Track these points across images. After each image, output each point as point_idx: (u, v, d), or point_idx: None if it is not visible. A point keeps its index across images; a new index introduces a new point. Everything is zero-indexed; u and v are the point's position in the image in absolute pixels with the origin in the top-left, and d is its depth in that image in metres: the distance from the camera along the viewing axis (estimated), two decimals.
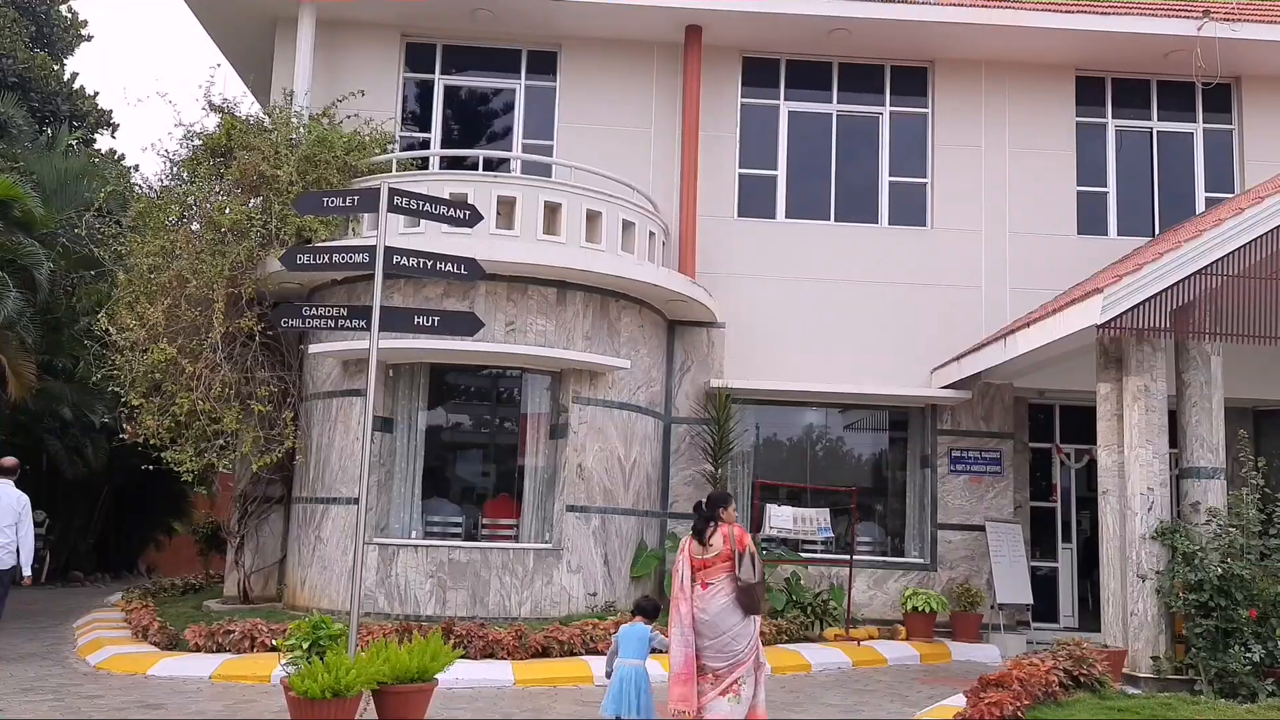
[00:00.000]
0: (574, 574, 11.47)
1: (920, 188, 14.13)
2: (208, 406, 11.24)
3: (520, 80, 14.10)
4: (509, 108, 14.15)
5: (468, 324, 7.98)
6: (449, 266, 7.79)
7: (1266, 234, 9.26)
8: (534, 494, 11.83)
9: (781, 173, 14.10)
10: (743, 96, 14.12)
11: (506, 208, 11.42)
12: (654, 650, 6.50)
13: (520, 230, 11.34)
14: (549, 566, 11.35)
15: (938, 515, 13.33)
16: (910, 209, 14.10)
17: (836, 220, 14.01)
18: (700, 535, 6.41)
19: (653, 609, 6.76)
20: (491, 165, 13.75)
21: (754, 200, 14.03)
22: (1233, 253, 9.24)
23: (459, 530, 11.89)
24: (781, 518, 12.15)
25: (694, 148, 13.54)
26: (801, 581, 12.54)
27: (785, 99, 14.21)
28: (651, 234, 12.44)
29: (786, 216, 14.01)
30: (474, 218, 8.09)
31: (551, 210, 11.52)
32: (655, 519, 12.81)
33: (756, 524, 13.06)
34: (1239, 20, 13.22)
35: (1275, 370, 12.58)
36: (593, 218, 11.69)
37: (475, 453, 12.74)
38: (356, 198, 7.92)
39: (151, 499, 19.48)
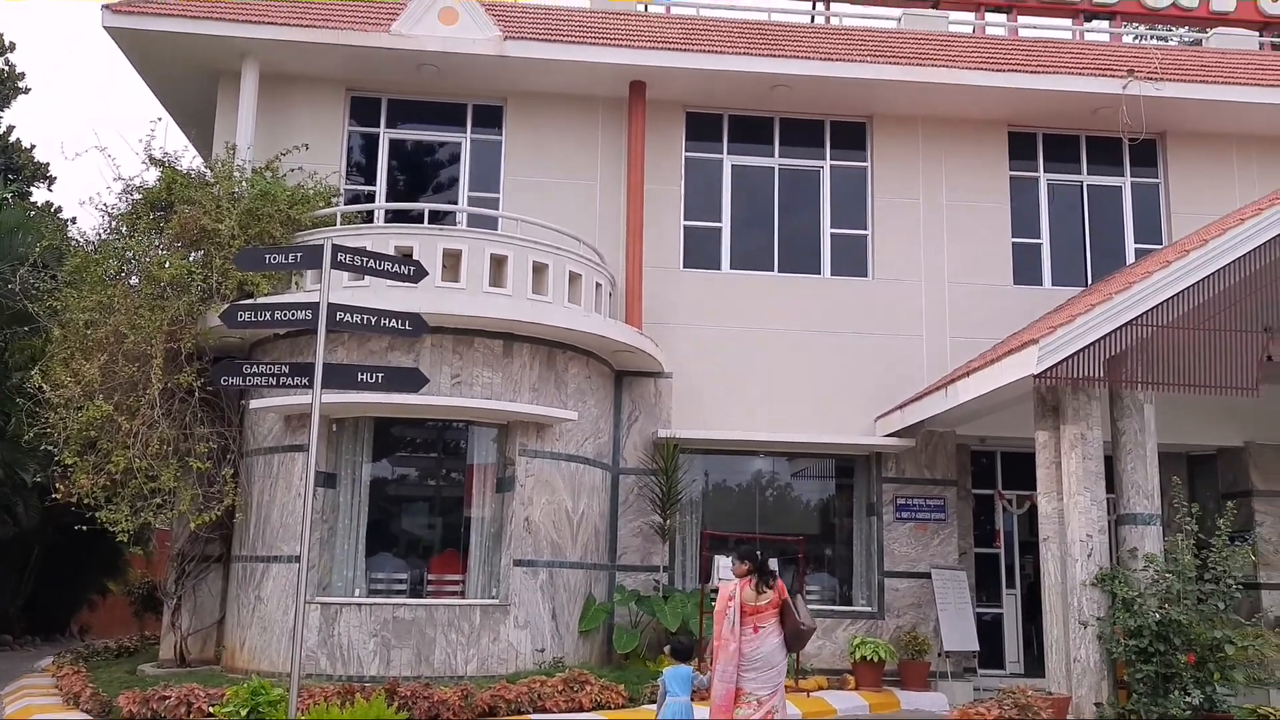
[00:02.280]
0: (521, 630, 11.34)
1: (861, 239, 14.38)
2: (144, 464, 11.00)
3: (466, 134, 14.17)
4: (455, 160, 14.20)
5: (413, 380, 7.95)
6: (393, 323, 7.76)
7: (1192, 286, 9.54)
8: (480, 548, 11.71)
9: (726, 225, 14.27)
10: (687, 150, 14.32)
11: (452, 260, 11.42)
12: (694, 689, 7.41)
13: (466, 283, 11.33)
14: (496, 623, 11.22)
15: (884, 563, 13.41)
16: (852, 260, 14.33)
17: (780, 271, 14.19)
18: (763, 584, 7.53)
19: (687, 652, 7.77)
20: (438, 217, 13.76)
21: (699, 251, 14.18)
22: (1161, 304, 9.50)
23: (404, 587, 11.71)
24: (729, 569, 12.11)
25: (639, 200, 13.68)
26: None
27: (729, 153, 14.44)
28: (598, 285, 12.50)
29: (731, 267, 14.17)
30: (419, 274, 8.07)
31: (498, 262, 11.54)
32: (603, 571, 12.74)
33: (705, 574, 13.05)
34: (1161, 79, 13.72)
35: (1206, 416, 12.93)
36: (539, 270, 11.73)
37: (421, 506, 12.61)
38: (300, 254, 7.88)
39: (85, 558, 18.93)
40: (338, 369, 7.83)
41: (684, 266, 14.03)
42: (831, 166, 14.53)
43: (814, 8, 15.96)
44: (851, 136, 14.60)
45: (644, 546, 13.04)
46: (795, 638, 7.56)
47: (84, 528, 11.73)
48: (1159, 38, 17.01)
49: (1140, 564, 9.51)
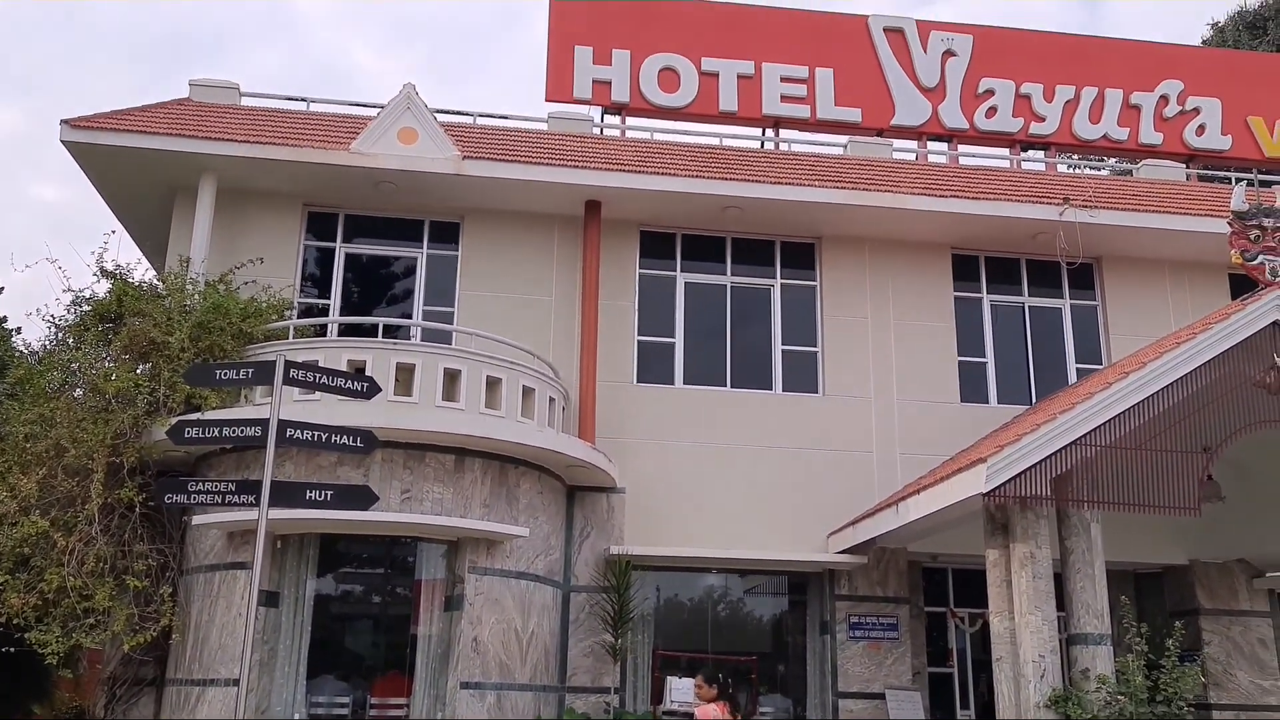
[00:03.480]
0: None
1: (811, 356, 14.60)
2: (79, 582, 10.63)
3: (423, 249, 14.32)
4: (411, 274, 14.31)
5: (362, 498, 7.86)
6: (345, 439, 7.72)
7: (1133, 407, 9.78)
8: (426, 669, 11.40)
9: (679, 340, 14.44)
10: (641, 268, 14.57)
11: (405, 374, 11.39)
12: None
13: (419, 397, 11.29)
14: None
15: (839, 683, 13.23)
16: (803, 376, 14.53)
17: (733, 386, 14.33)
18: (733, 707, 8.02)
19: None
20: (392, 331, 13.78)
21: (653, 367, 14.30)
22: (1104, 424, 9.71)
23: (345, 711, 11.33)
24: (682, 690, 11.92)
25: (594, 315, 13.83)
26: None
27: (682, 270, 14.71)
28: (551, 400, 12.52)
29: (685, 383, 14.28)
30: (372, 390, 8.07)
31: (451, 377, 11.53)
32: (552, 694, 12.42)
33: (657, 696, 12.80)
34: (1096, 207, 14.31)
35: (1152, 535, 13.11)
36: (493, 384, 11.73)
37: (366, 624, 12.30)
38: (251, 370, 7.85)
39: (9, 680, 18.05)
40: (286, 486, 7.73)
41: (638, 381, 14.12)
42: (782, 285, 14.84)
43: (764, 134, 16.52)
44: (801, 256, 14.97)
45: (595, 667, 12.76)
46: None
47: (10, 649, 11.25)
48: (1092, 167, 17.79)
49: (1093, 685, 9.50)
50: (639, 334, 14.35)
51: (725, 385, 14.33)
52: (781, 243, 14.95)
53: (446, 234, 14.37)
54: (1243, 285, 10.99)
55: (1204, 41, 34.09)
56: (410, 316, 14.00)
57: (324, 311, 13.89)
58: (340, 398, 10.03)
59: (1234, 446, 10.24)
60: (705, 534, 13.42)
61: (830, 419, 14.20)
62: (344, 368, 10.85)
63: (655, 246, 14.71)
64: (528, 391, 12.05)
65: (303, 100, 15.25)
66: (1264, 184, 15.76)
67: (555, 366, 13.23)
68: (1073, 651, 9.86)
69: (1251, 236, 10.43)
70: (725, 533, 13.45)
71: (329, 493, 7.68)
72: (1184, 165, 17.03)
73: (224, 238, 13.44)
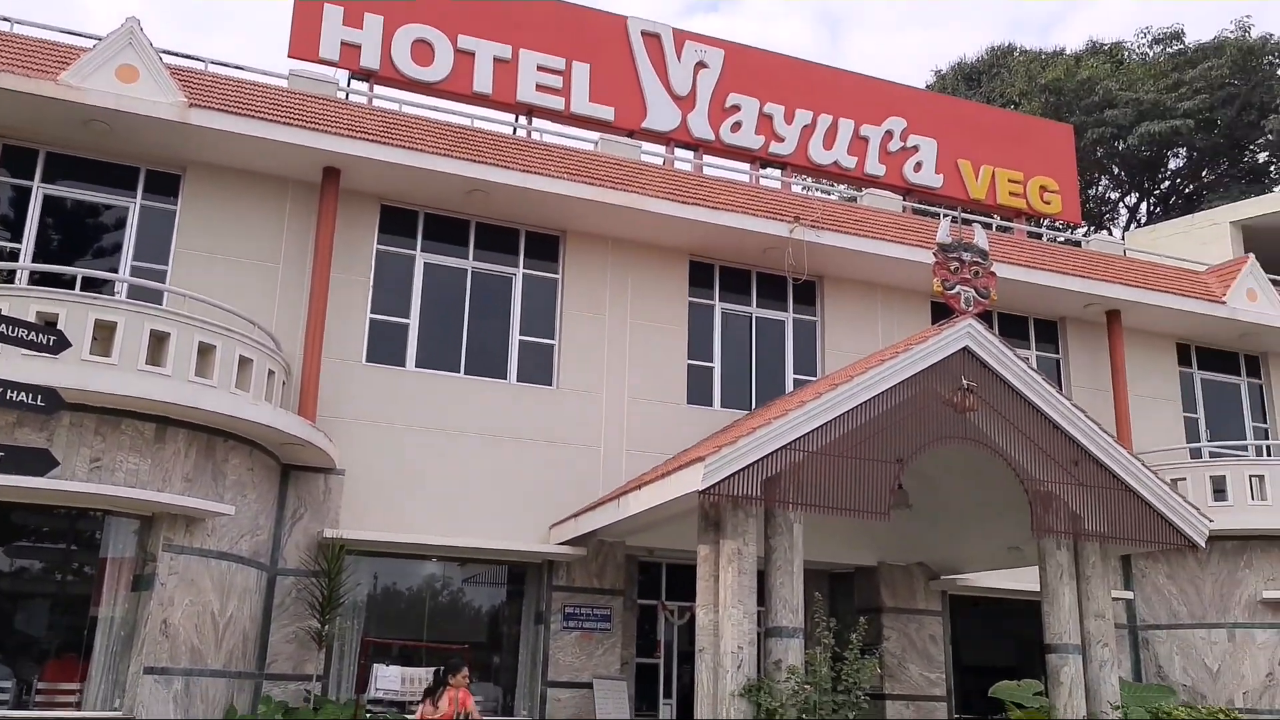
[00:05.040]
0: None
1: (548, 348, 14.65)
2: None
3: (136, 199, 13.17)
4: (121, 224, 13.13)
5: (40, 462, 7.10)
6: (23, 397, 6.92)
7: (838, 417, 10.43)
8: (107, 653, 10.50)
9: (414, 322, 14.07)
10: (379, 243, 14.08)
11: (106, 333, 10.40)
12: None
13: (119, 359, 10.34)
14: None
15: (549, 673, 13.33)
16: (538, 368, 14.54)
17: (466, 373, 14.13)
18: (434, 697, 8.77)
19: None
20: (95, 286, 12.56)
21: (384, 347, 13.85)
22: (812, 431, 10.29)
23: (7, 696, 10.23)
24: (389, 679, 11.64)
25: (324, 288, 13.22)
26: None
27: (422, 250, 14.34)
28: (271, 373, 11.84)
29: (417, 366, 13.93)
30: (60, 344, 7.29)
31: (159, 340, 10.62)
32: (249, 680, 11.77)
33: (362, 684, 12.41)
34: (822, 228, 15.21)
35: (847, 537, 14.07)
36: (205, 351, 10.93)
37: (41, 604, 11.19)
38: None
39: None
40: None
41: (367, 360, 13.64)
42: (524, 275, 14.78)
43: (516, 121, 16.41)
44: (545, 247, 14.98)
45: (298, 653, 12.20)
46: None
47: None
48: (823, 191, 18.91)
49: (784, 675, 10.04)
50: (372, 312, 13.87)
51: (459, 371, 14.11)
52: (526, 232, 14.90)
53: (165, 185, 13.29)
54: (942, 312, 11.99)
55: (928, 85, 37.20)
56: (117, 271, 12.85)
57: (14, 256, 12.49)
58: (24, 351, 9.07)
59: (923, 459, 11.14)
60: (427, 521, 13.15)
61: (562, 412, 14.29)
62: (31, 319, 9.76)
63: (396, 223, 14.27)
64: (245, 362, 11.32)
65: (5, 20, 13.63)
66: (966, 221, 17.31)
67: (278, 338, 12.54)
68: (769, 644, 10.38)
69: (951, 268, 11.39)
70: (448, 520, 13.23)
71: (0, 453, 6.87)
72: (901, 197, 18.43)
73: None
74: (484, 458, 13.69)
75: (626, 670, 14.05)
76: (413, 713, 12.57)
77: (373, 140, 13.28)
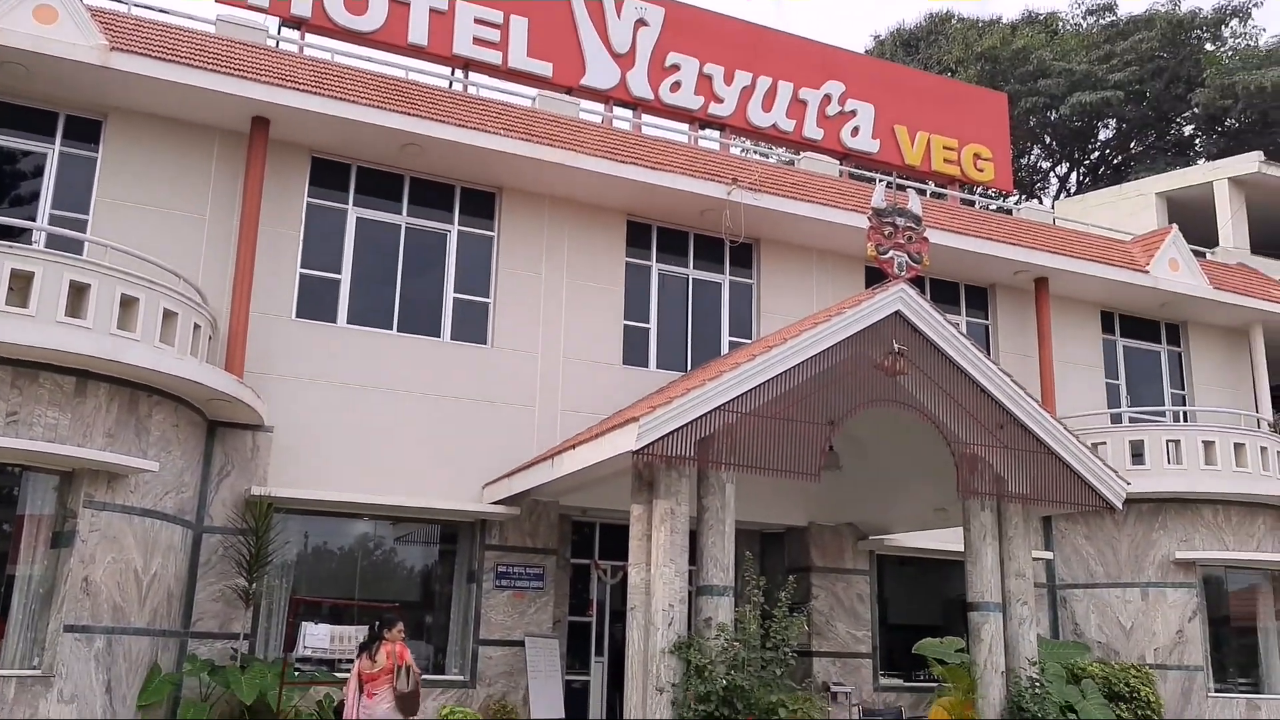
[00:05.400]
0: (67, 705, 10.01)
1: (483, 307, 14.51)
2: None
3: (55, 145, 12.71)
4: (39, 171, 12.67)
5: None
6: None
7: (772, 379, 10.51)
8: (24, 611, 10.27)
9: (346, 277, 13.83)
10: (310, 196, 13.77)
11: (22, 283, 10.05)
12: None
13: (36, 310, 10.00)
14: (34, 697, 9.82)
15: (480, 631, 13.35)
16: (473, 326, 14.40)
17: (400, 330, 13.95)
18: (371, 651, 8.79)
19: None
20: (11, 235, 12.11)
21: (315, 302, 13.60)
22: (744, 394, 10.36)
23: None
24: (317, 636, 11.56)
25: (252, 241, 12.92)
26: (336, 704, 11.88)
27: (355, 204, 14.06)
28: (197, 327, 11.55)
29: (349, 322, 13.72)
30: None
31: (79, 291, 10.28)
32: (174, 639, 11.61)
33: (291, 643, 12.31)
34: (760, 191, 15.23)
35: (778, 498, 14.27)
36: (128, 304, 10.61)
37: None
38: None
39: None
40: None
41: (297, 316, 13.39)
42: (459, 232, 14.60)
43: (453, 74, 16.12)
44: (481, 204, 14.79)
45: (225, 612, 12.05)
46: (401, 700, 8.72)
47: None
48: (761, 154, 18.94)
49: (713, 633, 10.17)
50: (302, 266, 13.59)
51: (392, 328, 13.93)
52: (462, 188, 14.69)
53: (86, 132, 12.82)
54: (876, 276, 12.09)
55: (867, 51, 37.35)
56: (35, 220, 12.40)
57: None
58: None
59: (854, 422, 11.30)
60: (359, 479, 13.02)
61: (496, 371, 14.20)
62: None
63: (327, 176, 13.96)
64: (169, 315, 11.03)
65: None
66: (901, 187, 17.47)
67: (205, 292, 12.26)
68: (699, 602, 10.51)
69: (885, 233, 11.50)
70: (380, 479, 13.12)
71: None
72: (839, 162, 18.52)
73: None
74: (417, 416, 13.57)
75: (559, 629, 14.13)
76: (343, 670, 12.56)
77: (303, 90, 12.94)
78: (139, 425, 10.96)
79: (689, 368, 15.37)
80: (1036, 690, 11.62)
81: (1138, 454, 16.44)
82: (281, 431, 12.77)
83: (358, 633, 11.90)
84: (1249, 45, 33.50)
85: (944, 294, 17.47)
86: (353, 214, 14.03)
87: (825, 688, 14.65)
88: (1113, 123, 35.66)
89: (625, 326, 15.24)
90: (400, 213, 14.31)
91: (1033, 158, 37.55)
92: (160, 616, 11.20)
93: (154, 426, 11.14)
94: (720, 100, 17.76)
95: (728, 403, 10.29)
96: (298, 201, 13.64)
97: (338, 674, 12.46)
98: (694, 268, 16.01)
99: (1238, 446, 16.33)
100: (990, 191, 21.27)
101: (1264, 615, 16.48)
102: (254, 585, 12.02)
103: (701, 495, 10.68)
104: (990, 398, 11.51)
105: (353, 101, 13.16)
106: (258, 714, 11.21)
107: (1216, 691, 15.63)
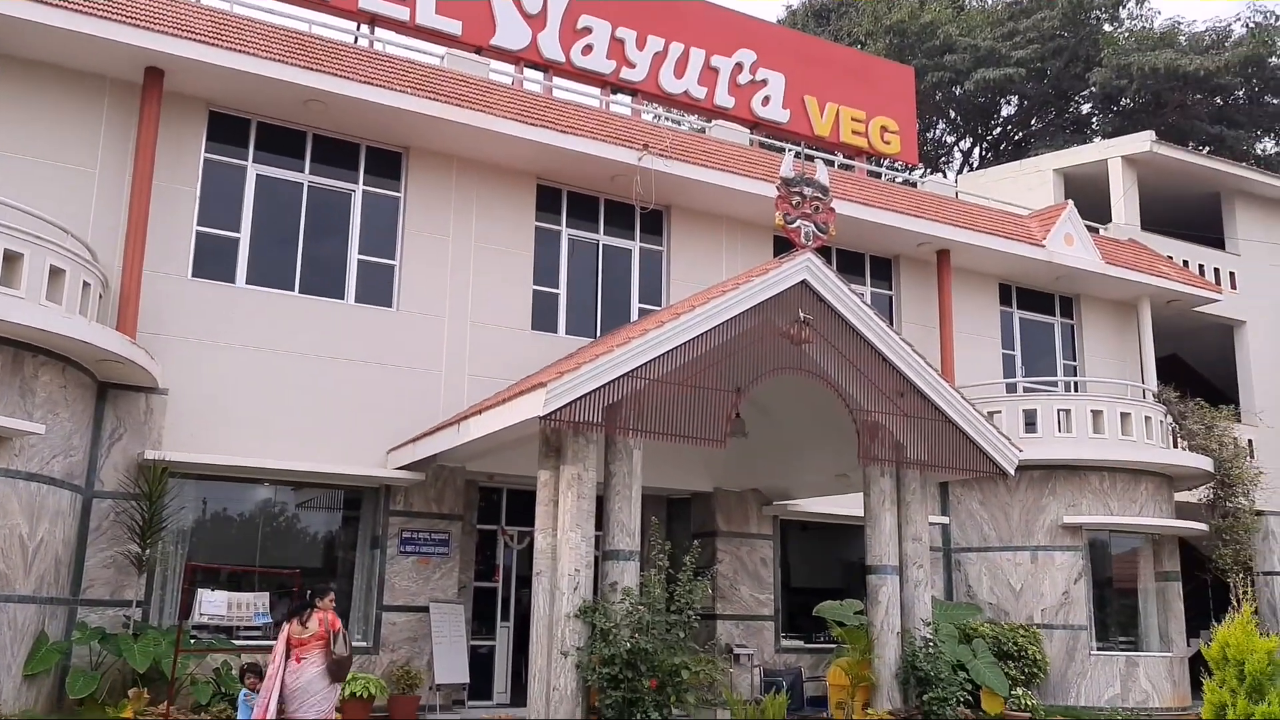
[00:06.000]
0: None
1: (389, 269, 14.25)
2: None
3: None
4: None
5: None
6: None
7: (680, 346, 10.57)
8: None
9: (245, 236, 13.43)
10: (207, 151, 13.30)
11: None
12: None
13: None
14: None
15: (384, 597, 13.23)
16: (377, 289, 14.14)
17: (301, 292, 13.62)
18: (301, 617, 8.79)
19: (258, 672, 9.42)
20: None
21: (212, 261, 13.18)
22: (652, 360, 10.40)
23: None
24: (214, 604, 11.29)
25: (146, 197, 12.44)
26: (234, 671, 11.67)
27: (254, 161, 13.63)
28: (87, 285, 11.10)
29: (248, 282, 13.34)
30: None
31: None
32: (62, 607, 11.23)
33: (186, 610, 12.02)
34: (671, 157, 15.22)
35: (685, 464, 14.39)
36: (12, 260, 10.15)
37: None
38: None
39: None
40: None
41: (193, 275, 12.96)
42: (364, 191, 14.28)
43: (359, 29, 15.68)
44: (387, 164, 14.47)
45: (116, 579, 11.70)
46: (334, 666, 8.74)
47: None
48: (672, 120, 18.90)
49: (619, 597, 10.26)
50: (199, 224, 13.15)
51: (293, 290, 13.59)
52: (367, 147, 14.36)
53: None
54: (784, 245, 12.24)
55: (779, 20, 37.49)
56: None
57: None
58: None
59: (759, 389, 11.44)
60: (258, 444, 12.73)
61: (402, 335, 13.99)
62: None
63: (226, 131, 13.50)
64: (56, 272, 10.58)
65: None
66: (809, 158, 17.64)
67: (95, 249, 11.77)
68: (605, 567, 10.59)
69: (793, 202, 11.60)
70: (280, 443, 12.84)
71: None
72: (749, 131, 18.60)
73: None
74: (319, 379, 13.30)
75: (465, 594, 14.09)
76: (241, 638, 12.34)
77: (199, 41, 12.45)
78: (24, 386, 10.51)
79: (598, 334, 15.35)
80: (930, 650, 12.02)
81: (1030, 423, 17.02)
82: (177, 394, 12.40)
83: (257, 599, 11.68)
84: (1144, 27, 34.60)
85: (850, 264, 17.76)
86: (252, 170, 13.61)
87: (728, 650, 14.93)
88: (1015, 99, 36.54)
89: (534, 291, 15.13)
90: (303, 171, 13.93)
91: (938, 132, 38.29)
92: (48, 584, 10.82)
93: (40, 388, 10.70)
94: (632, 65, 17.65)
95: (636, 369, 10.31)
96: (194, 156, 13.17)
97: (235, 641, 12.25)
98: (604, 233, 15.95)
99: (1124, 416, 17.02)
100: (896, 164, 21.57)
101: (1144, 577, 17.27)
102: (148, 552, 11.69)
103: (609, 461, 10.73)
104: (892, 367, 11.77)
105: (252, 54, 12.72)
106: (151, 682, 10.96)
107: (1099, 649, 16.37)
